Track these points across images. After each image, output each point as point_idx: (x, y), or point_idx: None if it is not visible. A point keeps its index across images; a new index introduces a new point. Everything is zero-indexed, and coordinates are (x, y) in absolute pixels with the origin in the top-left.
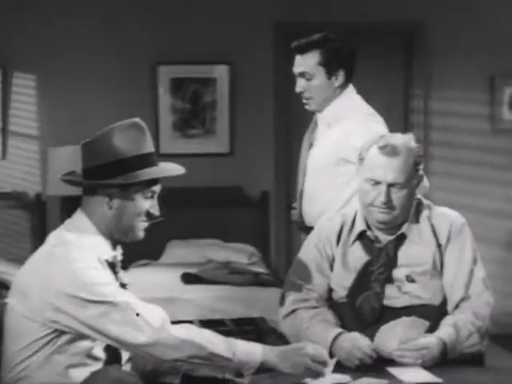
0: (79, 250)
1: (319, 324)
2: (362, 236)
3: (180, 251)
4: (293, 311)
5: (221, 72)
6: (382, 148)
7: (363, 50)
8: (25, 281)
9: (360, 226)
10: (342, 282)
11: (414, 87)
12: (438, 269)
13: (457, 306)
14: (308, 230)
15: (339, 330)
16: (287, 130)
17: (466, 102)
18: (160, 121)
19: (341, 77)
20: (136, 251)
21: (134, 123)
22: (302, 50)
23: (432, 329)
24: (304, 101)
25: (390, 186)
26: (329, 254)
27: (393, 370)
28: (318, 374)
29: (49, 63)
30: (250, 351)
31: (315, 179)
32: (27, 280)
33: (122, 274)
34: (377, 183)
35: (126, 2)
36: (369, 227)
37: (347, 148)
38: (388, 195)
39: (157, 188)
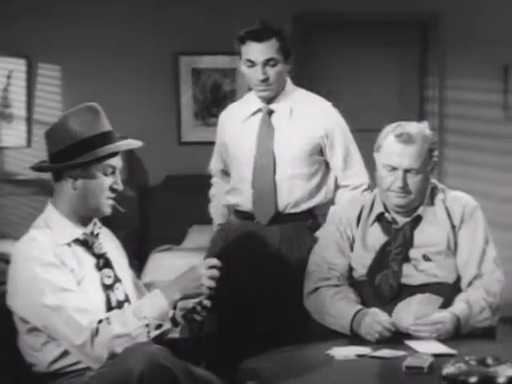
0: (35, 247)
1: (341, 301)
2: (380, 218)
3: (202, 236)
4: (316, 289)
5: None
6: (398, 136)
7: (379, 39)
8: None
9: (378, 209)
10: (361, 262)
11: (429, 76)
12: (452, 248)
13: (470, 284)
14: (284, 218)
15: (359, 306)
16: None
17: (480, 91)
18: (182, 110)
19: (291, 63)
20: (158, 236)
21: (87, 106)
22: (263, 37)
23: (446, 305)
24: (263, 88)
25: (406, 171)
26: (349, 236)
27: (410, 343)
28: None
29: (73, 54)
30: (155, 306)
31: (292, 168)
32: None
33: (97, 245)
34: (394, 169)
35: None
36: (387, 210)
37: (322, 136)
38: (404, 180)
39: (116, 163)
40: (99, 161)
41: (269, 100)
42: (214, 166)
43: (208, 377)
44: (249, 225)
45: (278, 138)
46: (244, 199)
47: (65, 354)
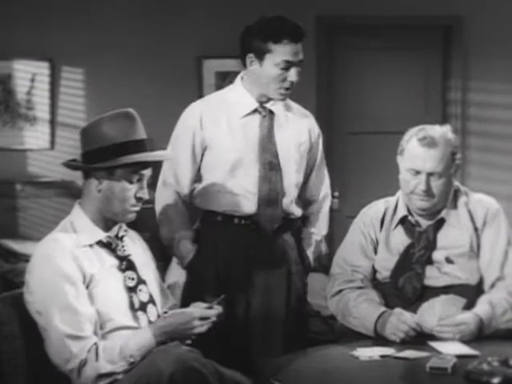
0: (56, 250)
1: (365, 303)
2: (403, 221)
3: None
4: (339, 291)
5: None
6: (421, 140)
7: (402, 42)
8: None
9: (402, 212)
10: (385, 264)
11: (452, 79)
12: (475, 251)
13: (492, 285)
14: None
15: (383, 308)
16: (328, 121)
17: (503, 93)
18: None
19: None
20: None
21: (123, 112)
22: (301, 37)
23: (469, 307)
24: (286, 92)
25: (429, 175)
26: (373, 238)
27: (433, 344)
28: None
29: (96, 57)
30: (142, 344)
31: (296, 175)
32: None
33: (121, 247)
34: (417, 173)
35: None
36: (410, 213)
37: (311, 146)
38: (428, 184)
39: (144, 172)
40: (124, 167)
41: (263, 101)
42: (182, 176)
43: (237, 377)
44: (248, 232)
45: (281, 143)
46: (247, 204)
47: None
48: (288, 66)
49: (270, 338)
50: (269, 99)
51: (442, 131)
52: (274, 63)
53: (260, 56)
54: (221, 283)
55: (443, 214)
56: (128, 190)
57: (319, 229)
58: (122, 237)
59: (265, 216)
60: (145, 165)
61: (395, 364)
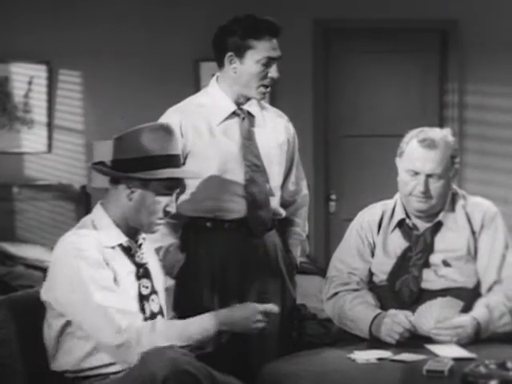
0: (82, 243)
1: (360, 305)
2: (401, 224)
3: None
4: (335, 294)
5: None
6: (421, 141)
7: (399, 45)
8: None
9: (400, 215)
10: (382, 267)
11: (449, 82)
12: (473, 254)
13: (489, 289)
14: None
15: (378, 310)
16: (325, 124)
17: (501, 96)
18: None
19: None
20: None
21: (163, 125)
22: (278, 32)
23: (466, 310)
24: (267, 90)
25: (428, 176)
26: (370, 241)
27: (430, 347)
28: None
29: (93, 60)
30: (203, 329)
31: (278, 176)
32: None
33: (139, 254)
34: (416, 174)
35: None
36: (408, 216)
37: (288, 146)
38: (426, 185)
39: (176, 188)
40: (161, 180)
41: (240, 102)
42: None
43: (230, 381)
44: (236, 236)
45: (262, 144)
46: (237, 207)
47: (88, 355)
48: (269, 62)
49: (266, 342)
50: (247, 100)
51: (442, 134)
52: (256, 60)
53: (240, 54)
54: (216, 289)
55: (441, 217)
56: (159, 202)
57: (303, 228)
58: (141, 244)
59: (256, 218)
60: (179, 180)
61: (392, 367)
